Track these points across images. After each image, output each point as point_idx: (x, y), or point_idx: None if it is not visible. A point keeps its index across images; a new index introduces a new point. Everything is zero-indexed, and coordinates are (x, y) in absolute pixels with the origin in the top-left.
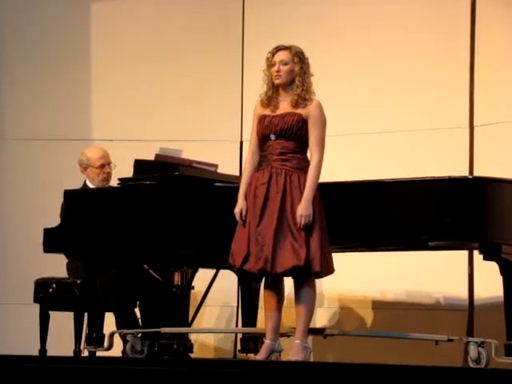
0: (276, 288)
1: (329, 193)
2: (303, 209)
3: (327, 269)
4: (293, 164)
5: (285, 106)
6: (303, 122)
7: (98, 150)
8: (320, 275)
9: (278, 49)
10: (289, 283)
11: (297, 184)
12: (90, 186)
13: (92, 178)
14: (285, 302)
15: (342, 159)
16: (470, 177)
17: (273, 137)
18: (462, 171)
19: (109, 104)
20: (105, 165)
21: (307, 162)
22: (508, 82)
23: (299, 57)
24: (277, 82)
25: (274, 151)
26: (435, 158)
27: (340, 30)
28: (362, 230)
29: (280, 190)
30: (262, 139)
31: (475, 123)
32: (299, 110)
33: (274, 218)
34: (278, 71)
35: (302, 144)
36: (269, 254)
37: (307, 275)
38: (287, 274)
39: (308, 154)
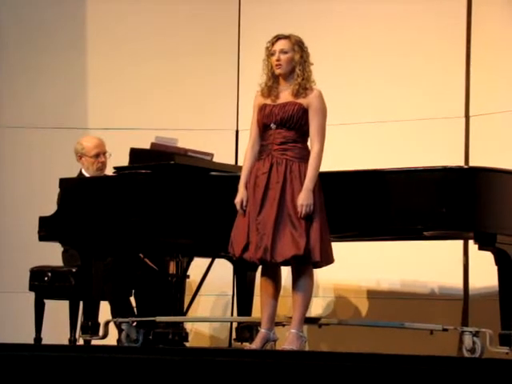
0: (273, 276)
1: (325, 182)
2: (304, 198)
3: (327, 258)
4: (293, 153)
5: (285, 95)
6: (304, 112)
7: (93, 139)
8: (320, 265)
9: (278, 38)
10: (285, 272)
11: (297, 173)
12: (86, 174)
13: (87, 166)
14: (281, 292)
15: (338, 149)
16: (466, 167)
17: (273, 126)
18: (457, 161)
19: (104, 93)
20: (99, 154)
21: (308, 152)
22: (504, 72)
23: (299, 45)
24: (278, 71)
25: (275, 141)
26: (431, 148)
27: (336, 19)
28: (358, 219)
29: (280, 179)
30: (263, 129)
31: (471, 113)
32: (300, 100)
33: (274, 207)
34: (278, 60)
35: (303, 133)
36: (268, 243)
37: (306, 265)
38: (287, 263)
39: (309, 144)
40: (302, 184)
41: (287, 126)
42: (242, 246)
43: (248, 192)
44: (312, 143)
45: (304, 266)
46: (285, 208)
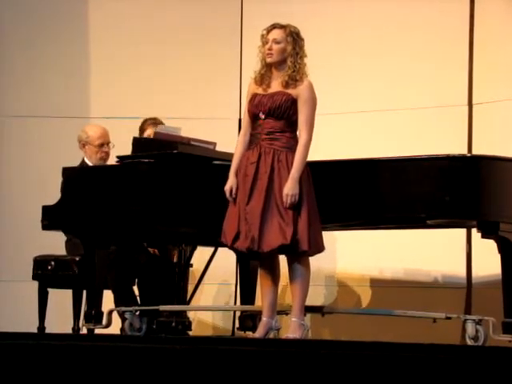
0: (271, 266)
1: (328, 171)
2: (289, 188)
3: (316, 247)
4: (281, 143)
5: (276, 85)
6: (292, 102)
7: (98, 128)
8: (309, 254)
9: (274, 27)
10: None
11: (285, 163)
12: (88, 163)
13: (90, 155)
14: (285, 281)
15: (341, 137)
16: (469, 155)
17: (262, 116)
18: (460, 149)
19: (107, 82)
20: (103, 144)
21: (297, 141)
22: (507, 60)
23: (293, 37)
24: (268, 60)
25: (263, 130)
26: (434, 136)
27: (337, 8)
28: (361, 207)
29: (268, 169)
30: (253, 118)
31: (474, 101)
32: (289, 90)
33: (261, 197)
34: (269, 49)
35: (291, 123)
36: (256, 233)
37: (297, 254)
38: (275, 252)
39: (298, 133)
40: (289, 173)
41: (275, 116)
42: (233, 235)
43: (238, 181)
44: (300, 133)
45: (296, 255)
46: (272, 198)
